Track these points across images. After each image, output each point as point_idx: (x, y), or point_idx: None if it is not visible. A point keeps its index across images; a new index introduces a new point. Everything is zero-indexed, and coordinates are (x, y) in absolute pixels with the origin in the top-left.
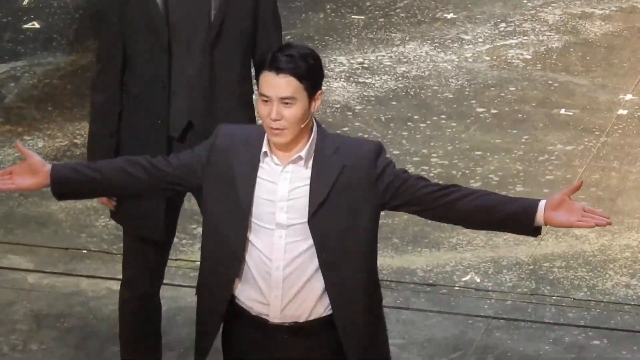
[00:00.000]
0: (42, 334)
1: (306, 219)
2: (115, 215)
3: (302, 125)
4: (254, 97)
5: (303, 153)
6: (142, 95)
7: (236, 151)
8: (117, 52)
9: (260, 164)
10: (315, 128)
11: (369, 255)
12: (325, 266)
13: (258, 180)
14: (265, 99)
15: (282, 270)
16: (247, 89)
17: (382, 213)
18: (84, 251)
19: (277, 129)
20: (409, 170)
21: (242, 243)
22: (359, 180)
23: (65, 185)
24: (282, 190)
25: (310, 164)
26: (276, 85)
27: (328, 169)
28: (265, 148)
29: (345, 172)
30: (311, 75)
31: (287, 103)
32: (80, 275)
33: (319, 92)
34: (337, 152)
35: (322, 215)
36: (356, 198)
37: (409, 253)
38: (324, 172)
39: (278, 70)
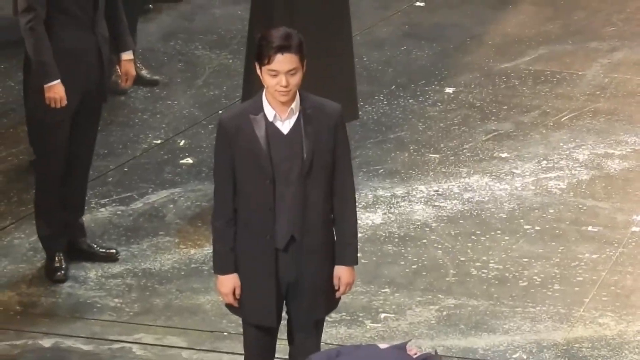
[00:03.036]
0: None
1: None
2: (233, 309)
3: None
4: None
5: None
6: (252, 218)
7: None
8: (229, 186)
9: None
10: None
11: None
12: None
13: None
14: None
15: None
16: (329, 206)
17: (451, 303)
18: (225, 333)
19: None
20: (473, 274)
21: None
22: None
23: None
24: None
25: None
26: None
27: None
28: None
29: None
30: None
31: None
32: (222, 352)
33: None
34: None
35: None
36: None
37: (472, 336)
38: None
39: None
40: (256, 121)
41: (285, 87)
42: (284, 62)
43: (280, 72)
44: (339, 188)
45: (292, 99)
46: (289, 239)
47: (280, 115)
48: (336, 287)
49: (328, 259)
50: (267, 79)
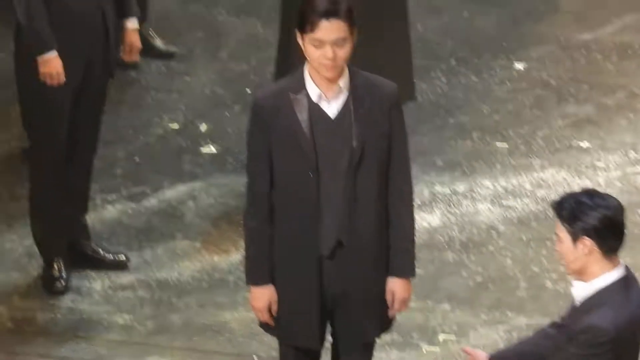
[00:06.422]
0: None
1: None
2: (268, 328)
3: None
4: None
5: None
6: (292, 218)
7: None
8: (265, 179)
9: None
10: None
11: None
12: None
13: None
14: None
15: None
16: (383, 205)
17: (523, 322)
18: (255, 357)
19: None
20: (548, 287)
21: None
22: None
23: None
24: None
25: None
26: None
27: None
28: None
29: None
30: None
31: None
32: None
33: None
34: None
35: None
36: None
37: None
38: None
39: None
40: (297, 101)
41: (332, 59)
42: (330, 29)
43: (326, 42)
44: (394, 183)
45: (340, 75)
46: (335, 244)
47: (326, 94)
48: (389, 303)
49: (381, 270)
50: (311, 51)
